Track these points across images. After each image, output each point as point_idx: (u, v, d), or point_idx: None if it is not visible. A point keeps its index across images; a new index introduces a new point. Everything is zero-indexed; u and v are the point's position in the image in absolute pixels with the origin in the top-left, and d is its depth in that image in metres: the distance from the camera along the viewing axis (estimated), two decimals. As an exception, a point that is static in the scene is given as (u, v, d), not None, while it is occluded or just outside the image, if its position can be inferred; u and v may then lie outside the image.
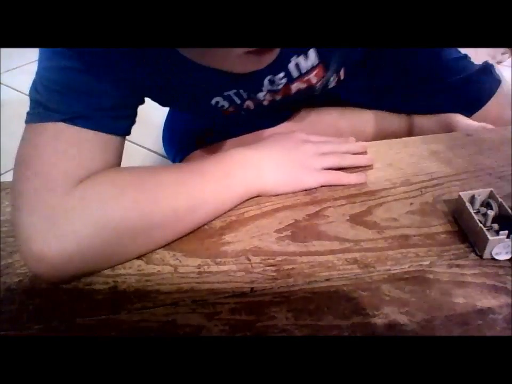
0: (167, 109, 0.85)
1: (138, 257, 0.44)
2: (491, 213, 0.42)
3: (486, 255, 0.41)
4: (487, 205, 0.44)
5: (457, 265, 0.41)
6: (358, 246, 0.43)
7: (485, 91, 0.73)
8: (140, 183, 0.44)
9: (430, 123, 0.75)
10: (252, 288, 0.40)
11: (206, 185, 0.46)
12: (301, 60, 0.53)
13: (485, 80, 0.73)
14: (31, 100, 0.45)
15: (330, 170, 0.51)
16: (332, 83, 0.64)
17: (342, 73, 0.65)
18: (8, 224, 0.47)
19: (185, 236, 0.45)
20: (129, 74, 0.46)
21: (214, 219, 0.47)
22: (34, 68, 0.46)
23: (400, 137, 0.60)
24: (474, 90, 0.73)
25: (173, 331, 0.37)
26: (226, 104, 0.58)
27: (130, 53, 0.39)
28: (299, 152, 0.52)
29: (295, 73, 0.55)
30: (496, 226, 0.41)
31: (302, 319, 0.38)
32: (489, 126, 0.63)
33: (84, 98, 0.44)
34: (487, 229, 0.41)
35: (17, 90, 1.46)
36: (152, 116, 0.63)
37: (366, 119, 0.77)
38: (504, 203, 0.42)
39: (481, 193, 0.44)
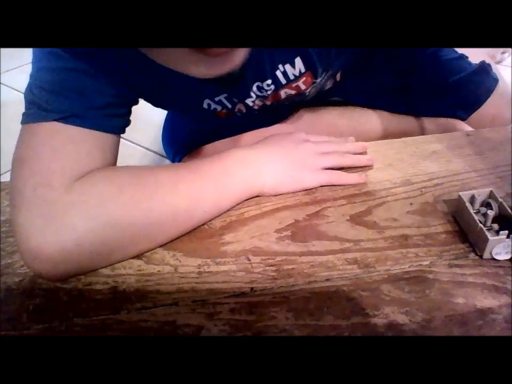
0: (166, 109, 0.85)
1: (138, 257, 0.44)
2: (491, 213, 0.42)
3: (486, 255, 0.41)
4: (487, 205, 0.44)
5: (457, 265, 0.41)
6: (358, 246, 0.43)
7: (483, 91, 0.73)
8: (139, 181, 0.44)
9: (430, 126, 0.75)
10: (251, 288, 0.40)
11: (205, 184, 0.46)
12: (287, 67, 0.53)
13: (483, 79, 0.73)
14: (26, 101, 0.45)
15: (330, 170, 0.51)
16: (328, 85, 0.64)
17: (338, 75, 0.65)
18: (8, 224, 0.47)
19: (185, 235, 0.45)
20: (121, 75, 0.46)
21: (213, 219, 0.47)
22: (33, 68, 0.47)
23: (400, 138, 0.60)
24: (472, 90, 0.73)
25: (173, 331, 0.37)
26: (218, 107, 0.58)
27: (122, 54, 0.39)
28: (299, 152, 0.52)
29: (282, 80, 0.55)
30: (496, 226, 0.41)
31: (302, 319, 0.38)
32: None
33: (77, 97, 0.44)
34: (487, 229, 0.41)
35: (17, 90, 1.46)
36: (151, 115, 0.63)
37: (366, 119, 0.77)
38: (504, 203, 0.42)
39: (481, 193, 0.44)
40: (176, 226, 0.44)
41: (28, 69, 0.46)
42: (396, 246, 0.43)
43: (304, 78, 0.56)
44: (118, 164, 0.49)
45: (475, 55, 0.76)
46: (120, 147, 0.50)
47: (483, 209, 0.43)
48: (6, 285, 0.42)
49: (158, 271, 0.42)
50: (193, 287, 0.41)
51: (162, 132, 0.86)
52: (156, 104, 0.59)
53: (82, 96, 0.44)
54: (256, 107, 0.60)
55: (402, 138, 0.59)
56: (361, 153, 0.55)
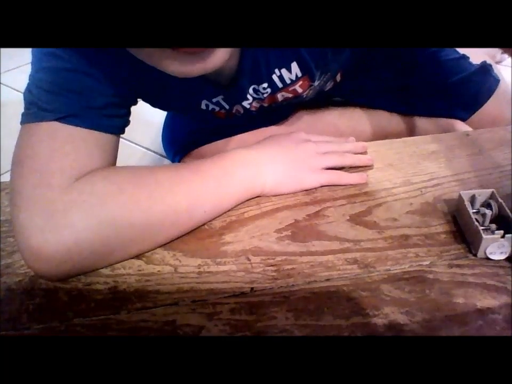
0: (166, 109, 0.85)
1: (138, 257, 0.44)
2: (489, 213, 0.42)
3: (480, 254, 0.41)
4: (487, 205, 0.44)
5: (457, 265, 0.41)
6: (358, 246, 0.43)
7: (484, 91, 0.73)
8: (138, 181, 0.44)
9: (430, 126, 0.75)
10: (252, 288, 0.40)
11: (205, 184, 0.46)
12: (284, 72, 0.53)
13: (484, 80, 0.73)
14: (25, 102, 0.45)
15: (331, 170, 0.51)
16: (328, 86, 0.64)
17: (338, 76, 0.65)
18: (8, 224, 0.47)
19: (185, 235, 0.45)
20: (119, 75, 0.46)
21: (213, 219, 0.47)
22: (33, 68, 0.47)
23: (400, 138, 0.60)
24: (473, 90, 0.73)
25: (173, 331, 0.37)
26: (216, 108, 0.58)
27: (120, 54, 0.39)
28: (299, 152, 0.52)
29: (279, 84, 0.55)
30: (494, 226, 0.41)
31: (302, 319, 0.38)
32: None
33: (76, 97, 0.44)
34: (483, 229, 0.41)
35: (17, 90, 1.46)
36: (151, 115, 0.63)
37: (366, 119, 0.77)
38: (504, 204, 0.42)
39: (481, 194, 0.44)
40: (176, 226, 0.44)
41: (28, 69, 0.47)
42: (395, 246, 0.43)
43: (301, 82, 0.56)
44: (118, 163, 0.49)
45: (475, 55, 0.76)
46: (120, 147, 0.50)
47: (483, 210, 0.43)
48: (6, 285, 0.42)
49: (158, 271, 0.42)
50: (193, 287, 0.41)
51: (162, 131, 0.86)
52: (154, 105, 0.60)
53: (81, 96, 0.45)
54: (253, 109, 0.60)
55: (402, 138, 0.59)
56: (361, 153, 0.55)
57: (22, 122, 0.45)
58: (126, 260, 0.43)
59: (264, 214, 0.48)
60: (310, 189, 0.50)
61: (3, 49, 1.49)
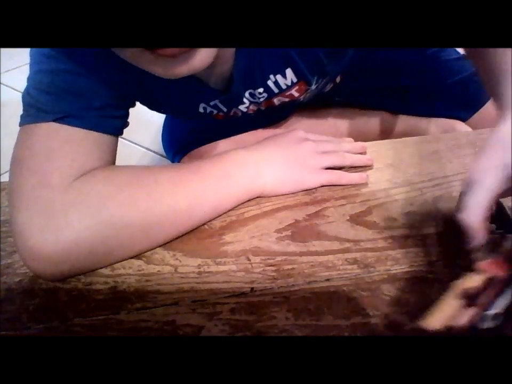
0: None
1: (138, 257, 0.44)
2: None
3: None
4: (487, 205, 0.43)
5: (457, 265, 0.41)
6: (358, 246, 0.43)
7: (484, 91, 0.73)
8: (138, 180, 0.44)
9: (430, 126, 0.75)
10: (252, 288, 0.40)
11: (204, 185, 0.46)
12: (279, 78, 0.53)
13: None
14: (24, 104, 0.46)
15: (331, 170, 0.51)
16: (328, 87, 0.64)
17: (338, 78, 0.65)
18: (8, 224, 0.47)
19: (185, 235, 0.45)
20: (116, 78, 0.46)
21: (213, 219, 0.47)
22: (34, 68, 0.47)
23: (400, 138, 0.60)
24: (473, 91, 0.73)
25: (173, 331, 0.37)
26: (214, 111, 0.58)
27: (116, 57, 0.40)
28: (299, 151, 0.51)
29: (275, 89, 0.55)
30: (493, 226, 0.41)
31: (302, 319, 0.38)
32: None
33: (74, 98, 0.44)
34: None
35: (17, 90, 1.46)
36: (151, 115, 0.63)
37: (366, 119, 0.77)
38: (504, 204, 0.42)
39: (481, 193, 0.44)
40: (175, 226, 0.44)
41: (28, 69, 0.47)
42: (395, 246, 0.43)
43: (297, 87, 0.56)
44: (118, 163, 0.49)
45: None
46: (120, 147, 0.50)
47: (483, 209, 0.43)
48: (6, 285, 0.42)
49: (158, 271, 0.42)
50: (193, 287, 0.41)
51: (162, 132, 0.86)
52: (152, 108, 0.59)
53: (79, 97, 0.45)
54: (251, 112, 0.60)
55: (402, 138, 0.59)
56: (360, 153, 0.55)
57: (21, 124, 0.45)
58: (126, 259, 0.43)
59: (264, 214, 0.48)
60: (310, 189, 0.50)
61: (3, 49, 1.49)
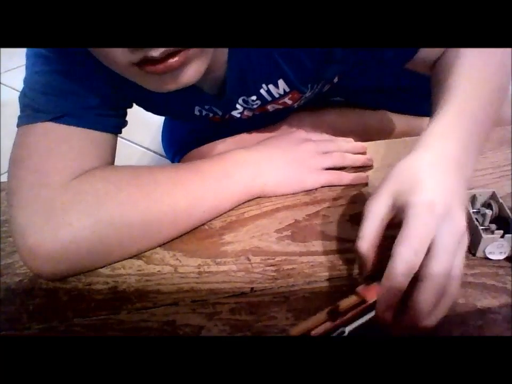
0: (167, 109, 0.85)
1: (139, 257, 0.44)
2: (489, 213, 0.42)
3: (479, 253, 0.41)
4: (488, 205, 0.44)
5: (457, 265, 0.41)
6: (358, 246, 0.43)
7: None
8: (137, 180, 0.44)
9: None
10: (252, 288, 0.40)
11: (204, 185, 0.46)
12: (271, 87, 0.53)
13: None
14: (21, 104, 0.46)
15: (331, 171, 0.51)
16: (326, 88, 0.64)
17: (336, 78, 0.65)
18: (8, 224, 0.47)
19: (185, 235, 0.45)
20: (112, 78, 0.46)
21: (213, 219, 0.47)
22: (34, 67, 0.47)
23: (400, 138, 0.60)
24: None
25: (173, 331, 0.37)
26: (210, 113, 0.58)
27: None
28: (299, 152, 0.51)
29: (268, 98, 0.55)
30: (493, 226, 0.41)
31: (302, 319, 0.37)
32: None
33: (70, 98, 0.45)
34: (483, 229, 0.41)
35: (17, 90, 1.46)
36: (151, 115, 0.63)
37: (366, 119, 0.77)
38: (504, 204, 0.42)
39: (482, 193, 0.44)
40: (175, 226, 0.44)
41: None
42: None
43: (290, 95, 0.56)
44: (117, 163, 0.49)
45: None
46: (119, 147, 0.50)
47: (483, 210, 0.43)
48: (6, 285, 0.42)
49: (158, 271, 0.42)
50: (193, 287, 0.41)
51: (162, 131, 0.86)
52: (147, 109, 0.59)
53: (75, 96, 0.45)
54: (244, 117, 0.60)
55: (402, 138, 0.59)
56: (361, 153, 0.55)
57: (19, 125, 0.45)
58: (125, 259, 0.43)
59: (264, 214, 0.48)
60: (310, 190, 0.50)
61: (3, 49, 1.49)
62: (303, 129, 0.55)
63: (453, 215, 0.33)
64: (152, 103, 0.57)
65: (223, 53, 0.47)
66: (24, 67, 0.47)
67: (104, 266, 0.43)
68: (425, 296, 0.32)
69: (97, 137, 0.46)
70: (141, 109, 0.57)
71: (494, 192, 0.44)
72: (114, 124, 0.49)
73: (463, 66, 0.43)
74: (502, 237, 0.40)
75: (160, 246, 0.45)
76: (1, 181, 0.54)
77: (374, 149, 0.56)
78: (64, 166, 0.42)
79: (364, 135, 0.75)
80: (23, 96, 0.46)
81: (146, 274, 0.42)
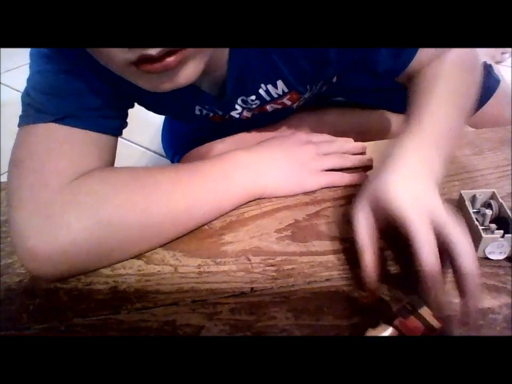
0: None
1: (139, 257, 0.44)
2: (489, 213, 0.42)
3: (480, 253, 0.41)
4: (488, 205, 0.44)
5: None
6: (358, 246, 0.43)
7: (484, 91, 0.73)
8: (136, 181, 0.44)
9: None
10: (252, 288, 0.40)
11: (204, 186, 0.46)
12: (270, 87, 0.53)
13: (484, 80, 0.73)
14: (23, 104, 0.46)
15: (331, 172, 0.51)
16: (325, 88, 0.64)
17: (334, 78, 0.65)
18: (8, 224, 0.47)
19: (185, 235, 0.45)
20: (113, 78, 0.46)
21: (213, 220, 0.47)
22: (34, 67, 0.47)
23: (400, 137, 0.59)
24: None
25: (173, 331, 0.37)
26: (210, 113, 0.58)
27: None
28: (300, 154, 0.51)
29: (266, 98, 0.55)
30: (493, 226, 0.41)
31: (302, 319, 0.38)
32: None
33: (73, 99, 0.45)
34: (483, 228, 0.41)
35: (17, 90, 1.46)
36: (150, 115, 0.63)
37: (366, 119, 0.77)
38: (504, 204, 0.42)
39: (482, 194, 0.44)
40: (174, 227, 0.44)
41: (28, 69, 0.47)
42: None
43: (288, 96, 0.56)
44: (117, 163, 0.49)
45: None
46: (119, 147, 0.50)
47: (483, 210, 0.43)
48: (6, 285, 0.42)
49: (158, 271, 0.42)
50: (193, 287, 0.41)
51: (162, 131, 0.86)
52: (149, 108, 0.60)
53: (77, 97, 0.45)
54: (244, 117, 0.60)
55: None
56: (361, 154, 0.55)
57: (20, 124, 0.45)
58: (125, 260, 0.43)
59: (264, 214, 0.48)
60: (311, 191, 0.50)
61: (3, 49, 1.49)
62: (303, 129, 0.55)
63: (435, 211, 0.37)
64: (153, 103, 0.57)
65: (223, 53, 0.47)
66: (24, 67, 0.47)
67: (103, 267, 0.43)
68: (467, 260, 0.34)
69: (98, 138, 0.46)
70: (141, 109, 0.57)
71: (494, 192, 0.44)
72: (115, 126, 0.49)
73: (439, 88, 0.47)
74: (502, 237, 0.40)
75: (159, 246, 0.45)
76: (1, 181, 0.54)
77: (374, 149, 0.56)
78: (64, 167, 0.42)
79: (364, 135, 0.75)
80: (26, 95, 0.46)
81: (146, 274, 0.42)
